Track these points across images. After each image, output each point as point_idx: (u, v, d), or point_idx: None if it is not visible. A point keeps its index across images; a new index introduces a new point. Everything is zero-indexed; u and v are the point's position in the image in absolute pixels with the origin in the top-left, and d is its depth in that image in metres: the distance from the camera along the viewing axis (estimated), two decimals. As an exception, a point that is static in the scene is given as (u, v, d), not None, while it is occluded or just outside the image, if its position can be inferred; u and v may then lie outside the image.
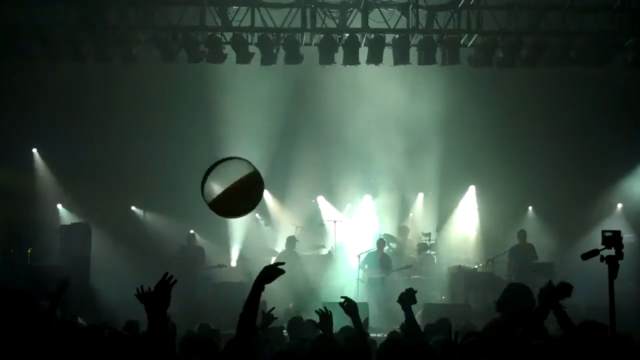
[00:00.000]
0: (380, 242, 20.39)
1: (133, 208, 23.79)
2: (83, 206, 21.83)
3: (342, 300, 7.78)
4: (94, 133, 21.95)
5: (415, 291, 7.71)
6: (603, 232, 6.85)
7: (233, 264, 22.11)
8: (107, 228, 20.69)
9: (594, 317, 7.99)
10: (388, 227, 22.92)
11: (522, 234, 20.52)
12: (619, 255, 6.66)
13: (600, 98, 21.64)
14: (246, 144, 22.43)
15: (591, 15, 18.44)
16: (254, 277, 5.98)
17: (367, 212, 23.67)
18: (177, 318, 10.35)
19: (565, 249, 20.67)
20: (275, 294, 17.95)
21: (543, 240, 21.53)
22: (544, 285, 7.44)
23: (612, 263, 6.64)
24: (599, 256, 6.77)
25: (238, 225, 23.09)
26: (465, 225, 24.08)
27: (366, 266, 19.98)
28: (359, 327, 7.71)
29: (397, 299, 7.76)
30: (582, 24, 18.38)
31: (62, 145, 22.24)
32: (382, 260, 20.01)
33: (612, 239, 6.72)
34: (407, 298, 7.57)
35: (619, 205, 23.51)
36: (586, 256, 6.92)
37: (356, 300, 7.89)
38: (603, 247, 6.78)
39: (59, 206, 22.88)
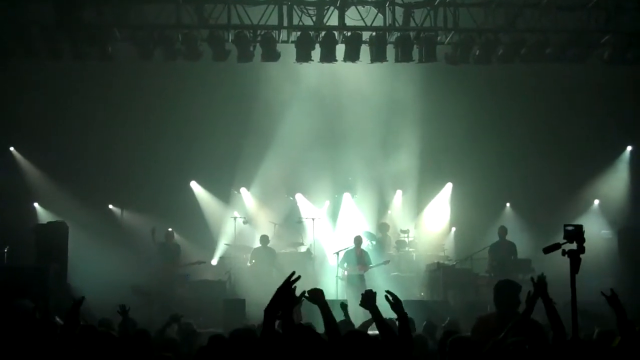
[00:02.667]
0: (358, 239, 20.32)
1: (110, 207, 23.67)
2: (60, 205, 21.69)
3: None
4: (72, 132, 21.87)
5: (375, 292, 7.66)
6: (565, 226, 6.74)
7: (213, 262, 21.99)
8: (84, 227, 20.52)
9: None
10: (367, 224, 22.95)
11: (503, 230, 20.46)
12: (581, 249, 6.58)
13: (578, 95, 21.78)
14: (224, 141, 22.43)
15: (567, 13, 18.52)
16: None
17: (349, 210, 23.68)
18: (156, 315, 10.32)
19: (543, 245, 20.56)
20: (252, 291, 17.96)
21: (521, 236, 21.56)
22: (534, 281, 7.50)
23: (574, 257, 6.57)
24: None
25: (217, 224, 23.04)
26: (443, 222, 24.11)
27: (345, 264, 19.87)
28: (328, 321, 7.24)
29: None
30: (558, 22, 18.46)
31: (39, 143, 22.13)
32: (361, 257, 19.99)
33: (574, 233, 6.64)
34: (367, 299, 7.53)
35: (596, 202, 23.65)
36: (548, 250, 6.87)
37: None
38: (565, 241, 6.71)
39: (36, 204, 22.73)
